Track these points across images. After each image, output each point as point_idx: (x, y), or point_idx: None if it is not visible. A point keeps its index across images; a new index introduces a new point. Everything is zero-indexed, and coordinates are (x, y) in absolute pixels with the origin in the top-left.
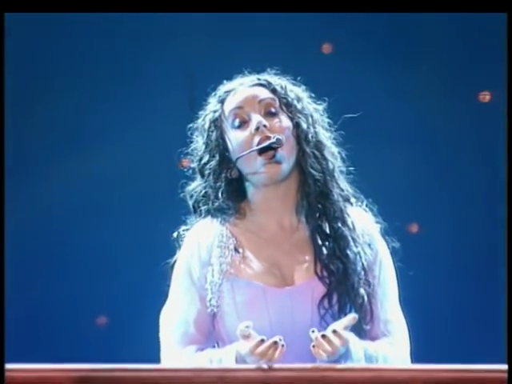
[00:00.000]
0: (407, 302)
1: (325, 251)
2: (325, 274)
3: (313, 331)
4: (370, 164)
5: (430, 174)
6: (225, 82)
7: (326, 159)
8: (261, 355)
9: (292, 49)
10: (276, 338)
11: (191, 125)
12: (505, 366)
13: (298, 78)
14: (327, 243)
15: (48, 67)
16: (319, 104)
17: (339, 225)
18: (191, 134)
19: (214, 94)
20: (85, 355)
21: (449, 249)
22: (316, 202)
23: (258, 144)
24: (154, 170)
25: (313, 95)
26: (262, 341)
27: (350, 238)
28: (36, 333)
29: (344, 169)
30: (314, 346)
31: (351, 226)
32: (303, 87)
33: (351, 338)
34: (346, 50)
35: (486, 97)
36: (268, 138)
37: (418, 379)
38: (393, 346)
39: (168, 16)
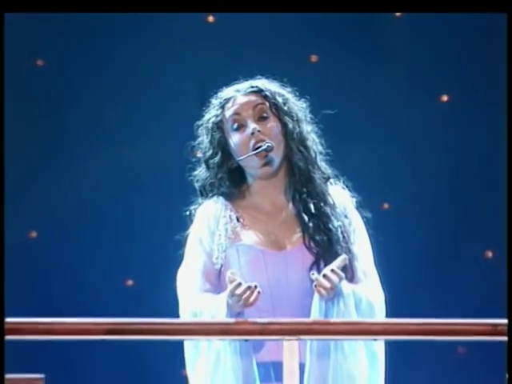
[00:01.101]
0: (379, 263)
1: (311, 226)
2: (312, 245)
3: (313, 273)
4: (349, 152)
5: (399, 160)
6: (224, 88)
7: (308, 151)
8: (239, 296)
9: (285, 58)
10: (252, 284)
11: (198, 122)
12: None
13: (285, 80)
14: (312, 220)
15: (68, 66)
16: (303, 101)
17: (321, 204)
18: (198, 131)
19: (215, 97)
20: (115, 312)
21: (416, 219)
22: (301, 186)
23: (254, 145)
24: (171, 161)
25: (297, 94)
26: (240, 284)
27: (331, 214)
28: (75, 293)
29: (324, 156)
30: (315, 286)
31: (332, 203)
32: (289, 89)
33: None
34: (329, 59)
35: (443, 96)
36: (261, 140)
37: (390, 331)
38: (371, 290)
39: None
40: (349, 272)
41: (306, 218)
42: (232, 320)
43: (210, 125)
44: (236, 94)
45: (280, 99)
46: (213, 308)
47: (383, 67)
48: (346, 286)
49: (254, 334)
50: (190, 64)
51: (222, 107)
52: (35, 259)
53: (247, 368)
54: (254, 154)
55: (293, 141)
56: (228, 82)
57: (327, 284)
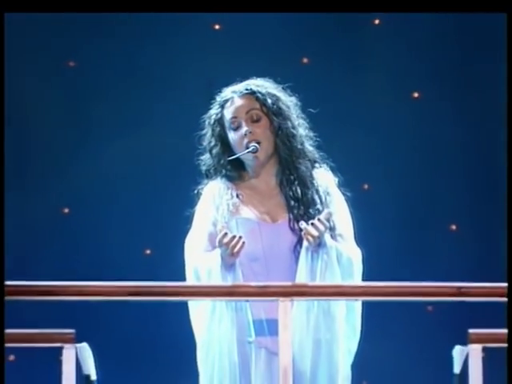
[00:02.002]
0: (358, 234)
1: (296, 206)
2: (296, 227)
3: (301, 224)
4: (335, 139)
5: (377, 147)
6: (224, 88)
7: (294, 144)
8: (226, 244)
9: (280, 60)
10: (237, 234)
11: (204, 116)
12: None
13: (278, 79)
14: (297, 201)
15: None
16: (293, 98)
17: (306, 190)
18: (203, 124)
19: (217, 96)
20: (135, 277)
21: (391, 198)
22: (288, 174)
23: (246, 144)
24: (183, 148)
25: (289, 92)
26: (226, 234)
27: (312, 196)
28: (101, 261)
29: (313, 142)
30: (304, 234)
31: (315, 186)
32: (280, 87)
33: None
34: (319, 61)
35: (414, 93)
36: (253, 139)
37: (370, 292)
38: (350, 248)
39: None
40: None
41: (292, 201)
42: (235, 283)
43: (211, 121)
44: (233, 96)
45: (270, 100)
46: (210, 261)
47: (365, 68)
48: (329, 239)
49: (254, 296)
50: (199, 65)
51: (222, 106)
52: (67, 232)
53: (242, 321)
54: (242, 155)
55: (279, 136)
56: (231, 80)
57: (315, 232)
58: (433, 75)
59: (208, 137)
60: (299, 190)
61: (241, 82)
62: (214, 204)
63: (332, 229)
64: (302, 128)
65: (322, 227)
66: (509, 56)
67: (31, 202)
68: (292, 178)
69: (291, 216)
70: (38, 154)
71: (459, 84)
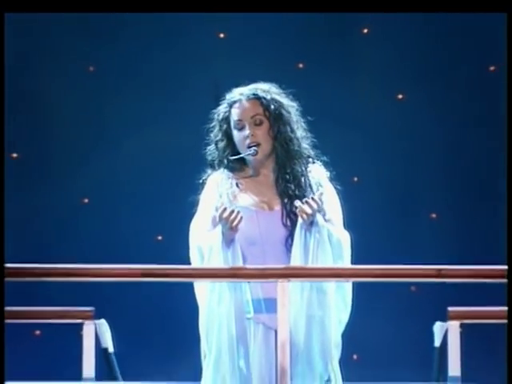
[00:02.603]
0: (347, 222)
1: (288, 207)
2: (288, 223)
3: (296, 202)
4: (329, 138)
5: (366, 144)
6: (233, 89)
7: (291, 146)
8: (225, 219)
9: (277, 65)
10: (235, 209)
11: (213, 111)
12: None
13: (283, 86)
14: (290, 197)
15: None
16: (295, 103)
17: (299, 187)
18: (211, 119)
19: (226, 94)
20: (148, 261)
21: (380, 190)
22: (283, 172)
23: (247, 145)
24: (189, 142)
25: (290, 97)
26: (225, 209)
27: (307, 191)
28: (117, 246)
29: (310, 141)
30: (299, 211)
31: (307, 182)
32: (283, 94)
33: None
34: (313, 66)
35: (399, 95)
36: (253, 142)
37: (359, 274)
38: (340, 231)
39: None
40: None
41: (286, 196)
42: (237, 266)
43: (220, 117)
44: (241, 98)
45: (273, 106)
46: (212, 238)
47: (354, 72)
48: (321, 219)
49: (255, 277)
50: (206, 69)
51: (230, 106)
52: (87, 219)
53: (240, 300)
54: (243, 156)
55: (278, 139)
56: (234, 82)
57: (308, 209)
58: (415, 79)
59: (215, 131)
60: (293, 187)
61: (248, 83)
62: (218, 192)
63: (323, 214)
64: (300, 130)
65: (314, 205)
66: (509, 56)
67: (56, 194)
68: (287, 176)
69: (286, 205)
70: (62, 151)
71: (440, 87)
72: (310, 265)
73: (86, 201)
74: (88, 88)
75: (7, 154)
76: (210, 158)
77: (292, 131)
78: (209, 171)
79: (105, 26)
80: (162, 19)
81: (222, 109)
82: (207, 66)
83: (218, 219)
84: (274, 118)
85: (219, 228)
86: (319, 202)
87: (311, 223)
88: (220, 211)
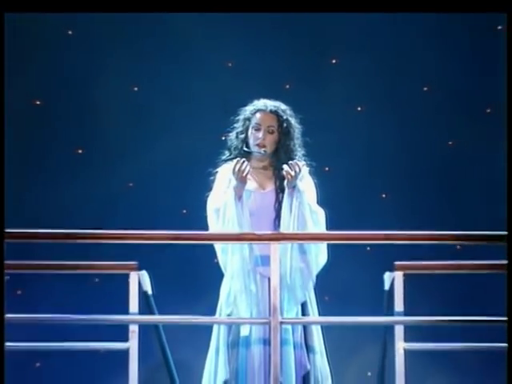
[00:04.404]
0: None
1: (280, 187)
2: (279, 197)
3: (284, 167)
4: (306, 138)
5: (334, 143)
6: (261, 98)
7: (289, 154)
8: (238, 170)
9: (271, 86)
10: (245, 161)
11: (241, 108)
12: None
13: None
14: (281, 183)
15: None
16: (299, 123)
17: (299, 183)
18: (237, 116)
19: (252, 103)
20: (175, 229)
21: (345, 177)
22: (280, 166)
23: (258, 145)
24: (204, 146)
25: (298, 119)
26: (238, 161)
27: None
28: (152, 218)
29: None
30: (285, 172)
31: (299, 178)
32: (293, 116)
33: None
34: (296, 87)
35: (358, 107)
36: (263, 145)
37: (332, 238)
38: (315, 204)
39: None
40: None
41: (277, 181)
42: (242, 232)
43: (245, 116)
44: (265, 108)
45: (285, 124)
46: (226, 196)
47: (326, 91)
48: (301, 186)
49: (254, 240)
50: (217, 90)
51: (254, 112)
52: (132, 200)
53: (245, 256)
54: (253, 152)
55: (281, 147)
56: (240, 98)
57: (291, 171)
58: (369, 97)
59: (239, 125)
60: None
61: (251, 100)
62: (228, 178)
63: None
64: (298, 142)
65: (296, 168)
66: (509, 56)
67: (109, 179)
68: (283, 171)
69: (276, 187)
70: (113, 147)
71: (388, 101)
72: (295, 221)
73: (131, 184)
74: (132, 105)
75: (74, 150)
76: (229, 143)
77: (293, 145)
78: (226, 152)
79: (146, 51)
80: (188, 49)
81: (248, 110)
82: (219, 87)
83: (232, 172)
84: (283, 132)
85: (231, 189)
86: (300, 165)
87: (293, 188)
88: (234, 163)
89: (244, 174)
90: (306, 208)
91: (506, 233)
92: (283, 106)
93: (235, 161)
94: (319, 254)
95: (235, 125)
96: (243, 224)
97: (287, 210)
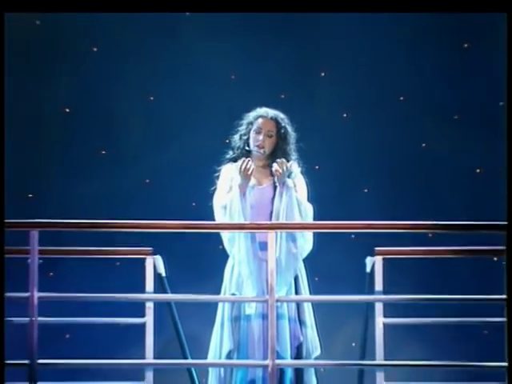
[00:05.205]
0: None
1: (274, 183)
2: (274, 192)
3: (273, 165)
4: (298, 141)
5: (322, 147)
6: (264, 107)
7: (284, 156)
8: (243, 170)
9: (268, 96)
10: (250, 161)
11: (245, 114)
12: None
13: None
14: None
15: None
16: (293, 128)
17: (288, 180)
18: (241, 120)
19: (255, 110)
20: (186, 219)
21: (334, 175)
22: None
23: (257, 146)
24: (211, 148)
25: (294, 127)
26: (244, 160)
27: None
28: (167, 209)
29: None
30: (275, 171)
31: (293, 180)
32: (290, 124)
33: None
34: (290, 97)
35: (344, 114)
36: (262, 146)
37: (319, 227)
38: (304, 200)
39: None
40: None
41: (273, 178)
42: (244, 222)
43: (248, 121)
44: (266, 115)
45: (283, 130)
46: (232, 194)
47: (315, 101)
48: (291, 183)
49: (254, 229)
50: (222, 99)
51: (257, 118)
52: (148, 195)
53: (248, 242)
54: (253, 151)
55: (278, 150)
56: (243, 105)
57: (279, 168)
58: (353, 106)
59: (243, 128)
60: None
61: (253, 107)
62: (229, 176)
63: (294, 186)
64: (293, 147)
65: (283, 166)
66: (509, 56)
67: (128, 177)
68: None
69: (273, 183)
70: (132, 148)
71: (374, 108)
72: (284, 213)
73: (147, 181)
74: (149, 113)
75: (98, 151)
76: (233, 144)
77: (289, 149)
78: (230, 152)
79: (161, 67)
80: (198, 63)
81: (251, 116)
82: (223, 96)
83: (239, 170)
84: (281, 137)
85: (236, 187)
86: (287, 164)
87: (283, 184)
88: (240, 163)
89: (249, 172)
90: (293, 202)
91: (506, 223)
92: (282, 115)
93: (241, 160)
94: (306, 242)
95: (239, 128)
96: (246, 216)
97: (278, 203)
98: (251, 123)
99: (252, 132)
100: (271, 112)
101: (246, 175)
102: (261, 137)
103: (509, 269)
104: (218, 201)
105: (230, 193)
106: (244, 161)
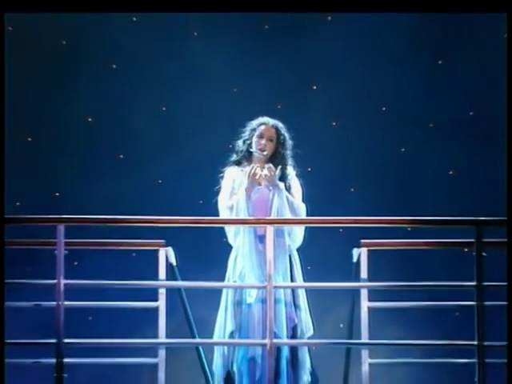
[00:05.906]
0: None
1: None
2: (272, 193)
3: (263, 171)
4: (294, 146)
5: (315, 152)
6: (265, 116)
7: (282, 160)
8: (252, 175)
9: (266, 106)
10: (257, 167)
11: (248, 122)
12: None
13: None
14: (277, 192)
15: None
16: (290, 135)
17: (282, 178)
18: (244, 128)
19: (257, 118)
20: (194, 215)
21: (327, 177)
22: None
23: (260, 149)
24: (217, 152)
25: (291, 135)
26: (253, 167)
27: (283, 180)
28: (177, 207)
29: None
30: (265, 176)
31: (287, 175)
32: (288, 132)
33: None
34: (286, 107)
35: (333, 123)
36: (263, 149)
37: (312, 222)
38: (298, 201)
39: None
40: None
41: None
42: (245, 217)
43: (252, 127)
44: (268, 123)
45: (282, 137)
46: (238, 196)
47: (308, 111)
48: (281, 184)
49: (254, 224)
50: (226, 109)
51: (259, 125)
52: (160, 193)
53: (250, 235)
54: (256, 153)
55: (277, 154)
56: (244, 115)
57: (268, 173)
58: (342, 115)
59: (246, 134)
60: (283, 180)
61: (252, 117)
62: (232, 178)
63: (288, 187)
64: (289, 153)
65: (272, 172)
66: (509, 56)
67: (142, 177)
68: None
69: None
70: (147, 152)
71: (360, 117)
72: (276, 211)
73: (160, 181)
74: (162, 121)
75: (116, 155)
76: (236, 148)
77: (287, 155)
78: (234, 155)
79: (172, 81)
80: (204, 78)
81: (254, 123)
82: (226, 106)
83: (248, 175)
84: (280, 143)
85: (242, 190)
86: (274, 169)
87: (275, 186)
88: (250, 168)
89: (257, 177)
90: (284, 202)
91: (505, 218)
92: (281, 124)
93: (250, 166)
94: (296, 237)
95: (242, 134)
96: (250, 214)
97: (275, 201)
98: (254, 129)
99: (255, 137)
100: (272, 120)
101: (253, 180)
102: (263, 141)
103: (509, 260)
104: (224, 202)
105: (236, 195)
106: (253, 167)
